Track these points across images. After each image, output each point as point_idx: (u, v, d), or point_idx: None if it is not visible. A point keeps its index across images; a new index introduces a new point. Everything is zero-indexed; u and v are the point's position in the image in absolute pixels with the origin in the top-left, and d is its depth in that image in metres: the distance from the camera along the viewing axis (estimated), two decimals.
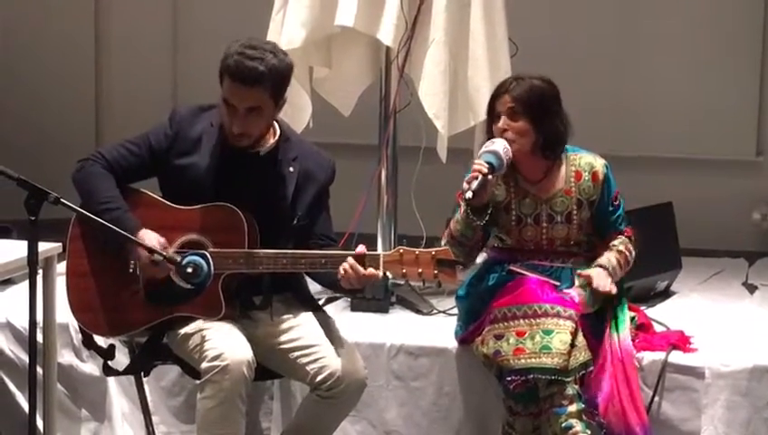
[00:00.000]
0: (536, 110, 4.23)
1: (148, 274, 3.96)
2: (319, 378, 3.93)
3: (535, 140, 4.26)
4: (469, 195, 4.05)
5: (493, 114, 4.29)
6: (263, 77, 3.93)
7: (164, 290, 3.97)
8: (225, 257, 3.93)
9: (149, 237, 3.92)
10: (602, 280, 4.24)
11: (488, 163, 4.13)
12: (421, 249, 3.87)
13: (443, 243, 4.26)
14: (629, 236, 4.38)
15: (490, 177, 4.12)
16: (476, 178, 4.09)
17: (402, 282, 3.94)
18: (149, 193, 4.09)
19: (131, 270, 3.99)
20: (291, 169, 4.09)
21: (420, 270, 3.84)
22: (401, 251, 3.87)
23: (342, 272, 3.87)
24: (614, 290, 4.23)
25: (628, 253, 4.35)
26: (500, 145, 4.19)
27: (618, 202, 4.36)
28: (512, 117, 4.23)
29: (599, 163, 4.35)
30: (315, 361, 3.96)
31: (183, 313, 3.98)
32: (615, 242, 4.36)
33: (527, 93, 4.22)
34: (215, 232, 3.97)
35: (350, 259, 3.86)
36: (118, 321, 4.03)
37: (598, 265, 4.29)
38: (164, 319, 4.00)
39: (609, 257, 4.32)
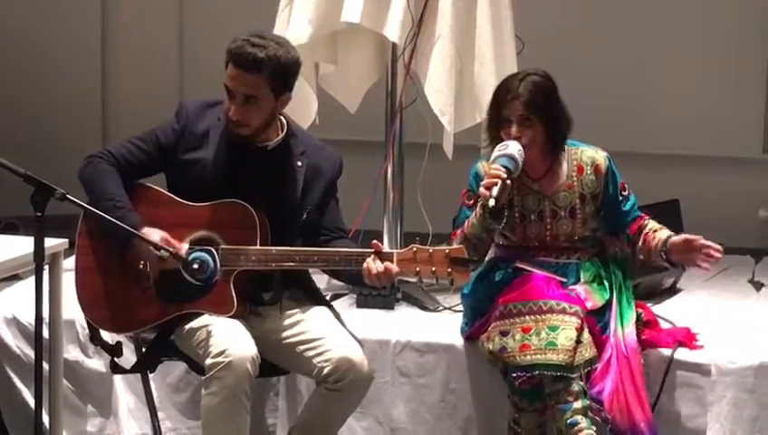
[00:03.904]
0: (546, 112, 4.22)
1: (159, 267, 3.95)
2: (326, 370, 3.93)
3: (546, 140, 4.26)
4: (492, 202, 4.02)
5: (499, 118, 4.27)
6: (261, 63, 3.92)
7: (174, 287, 3.98)
8: (237, 254, 3.94)
9: (153, 234, 3.92)
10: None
11: (505, 167, 4.11)
12: (435, 247, 3.87)
13: (455, 244, 4.25)
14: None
15: (508, 181, 4.11)
16: (495, 183, 4.06)
17: (414, 279, 3.94)
18: (160, 189, 4.10)
19: (141, 266, 4.00)
20: (299, 163, 4.10)
21: (434, 268, 3.84)
22: (415, 249, 3.87)
23: (366, 270, 3.87)
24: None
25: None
26: (515, 148, 4.17)
27: (627, 192, 4.35)
28: (524, 124, 4.21)
29: (600, 156, 4.35)
30: (321, 353, 3.96)
31: (194, 309, 3.99)
32: (649, 226, 4.30)
33: (536, 97, 4.19)
34: (226, 229, 3.98)
35: (372, 257, 3.86)
36: (128, 318, 4.04)
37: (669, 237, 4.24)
38: (175, 316, 4.01)
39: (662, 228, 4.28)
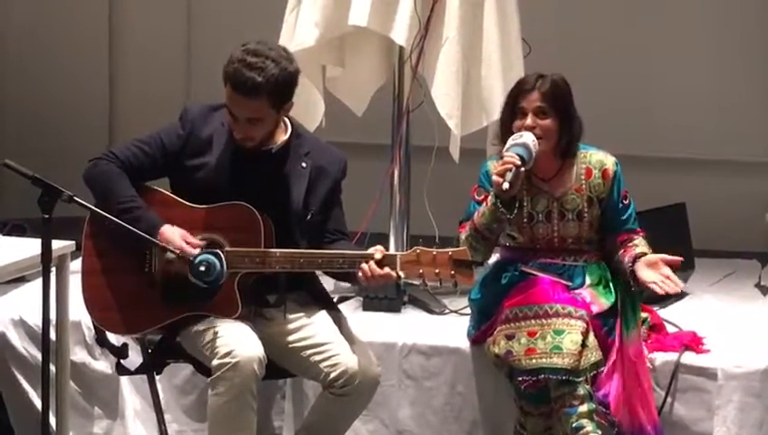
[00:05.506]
0: (563, 109, 4.25)
1: (166, 268, 3.96)
2: (332, 375, 3.94)
3: (558, 140, 4.26)
4: (506, 186, 4.04)
5: (514, 110, 4.28)
6: (260, 88, 3.91)
7: (180, 289, 3.98)
8: (241, 256, 3.95)
9: (172, 233, 3.93)
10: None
11: (519, 155, 4.12)
12: (438, 250, 3.87)
13: (462, 237, 4.25)
14: (644, 237, 4.36)
15: (522, 169, 4.12)
16: (510, 169, 4.07)
17: (417, 282, 3.94)
18: (166, 192, 4.11)
19: (147, 268, 4.01)
20: (303, 164, 4.10)
21: (437, 271, 3.85)
22: (418, 251, 3.88)
23: (361, 273, 3.88)
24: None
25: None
26: (529, 138, 4.19)
27: (628, 201, 4.36)
28: (540, 115, 4.23)
29: (609, 161, 4.35)
30: (328, 358, 3.97)
31: (199, 311, 4.00)
32: (636, 242, 4.30)
33: (555, 92, 4.23)
34: (231, 231, 3.98)
35: (371, 262, 3.87)
36: (134, 319, 4.04)
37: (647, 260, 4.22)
38: (180, 317, 4.01)
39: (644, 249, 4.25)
